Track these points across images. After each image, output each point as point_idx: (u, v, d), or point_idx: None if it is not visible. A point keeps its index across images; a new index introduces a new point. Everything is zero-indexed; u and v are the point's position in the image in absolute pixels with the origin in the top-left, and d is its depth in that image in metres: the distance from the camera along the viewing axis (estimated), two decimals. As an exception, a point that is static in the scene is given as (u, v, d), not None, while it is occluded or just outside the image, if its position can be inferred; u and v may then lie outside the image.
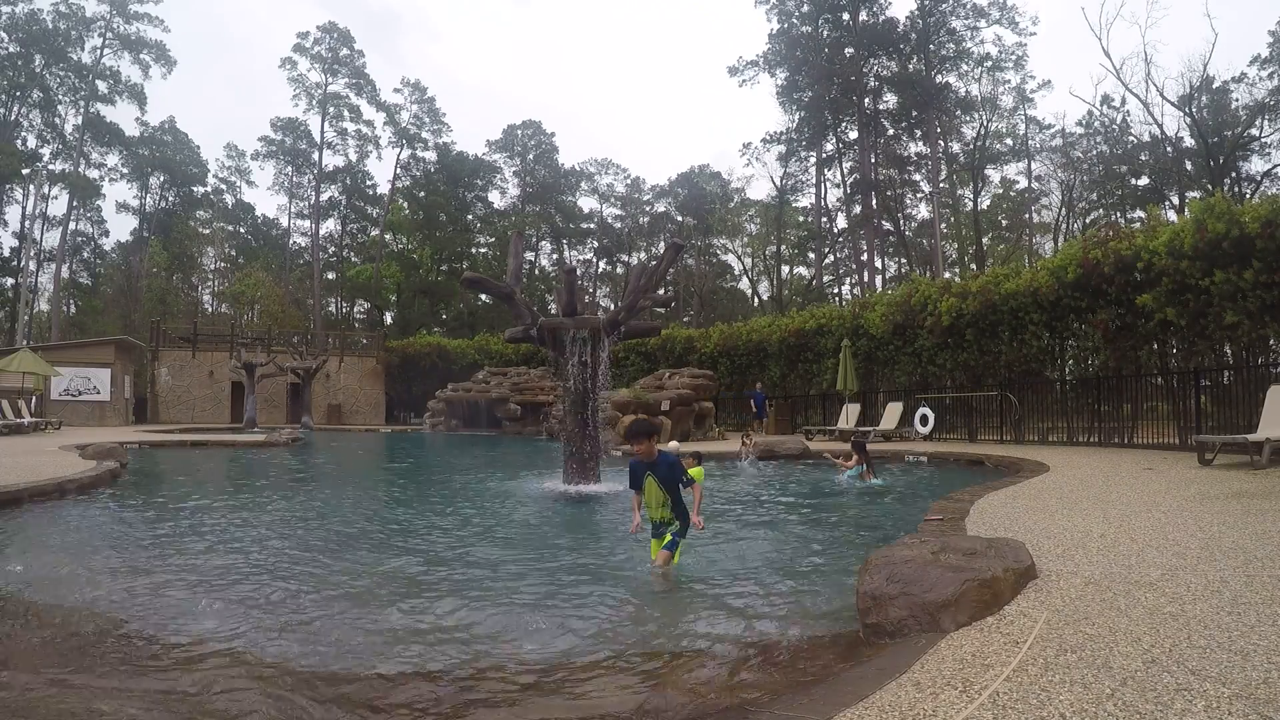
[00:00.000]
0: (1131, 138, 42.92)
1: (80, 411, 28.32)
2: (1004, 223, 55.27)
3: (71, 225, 52.12)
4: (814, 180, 52.18)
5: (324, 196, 55.60)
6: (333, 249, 58.07)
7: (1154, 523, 5.14)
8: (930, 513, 5.68)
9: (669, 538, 4.69)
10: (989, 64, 46.02)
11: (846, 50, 46.74)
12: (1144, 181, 42.82)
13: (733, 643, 3.30)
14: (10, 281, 49.32)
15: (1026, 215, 51.62)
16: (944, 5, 44.64)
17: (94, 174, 52.39)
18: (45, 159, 49.99)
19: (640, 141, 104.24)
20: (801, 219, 57.46)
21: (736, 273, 62.97)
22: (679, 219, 59.53)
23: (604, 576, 4.77)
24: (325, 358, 34.31)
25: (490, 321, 51.45)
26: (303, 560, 5.21)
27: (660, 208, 61.86)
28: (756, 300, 59.83)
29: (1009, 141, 50.48)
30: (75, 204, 51.03)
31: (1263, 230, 10.36)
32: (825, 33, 47.19)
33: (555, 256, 61.42)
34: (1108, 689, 2.24)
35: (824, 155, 50.37)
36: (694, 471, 9.70)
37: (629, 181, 63.03)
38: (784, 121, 52.40)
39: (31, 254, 48.77)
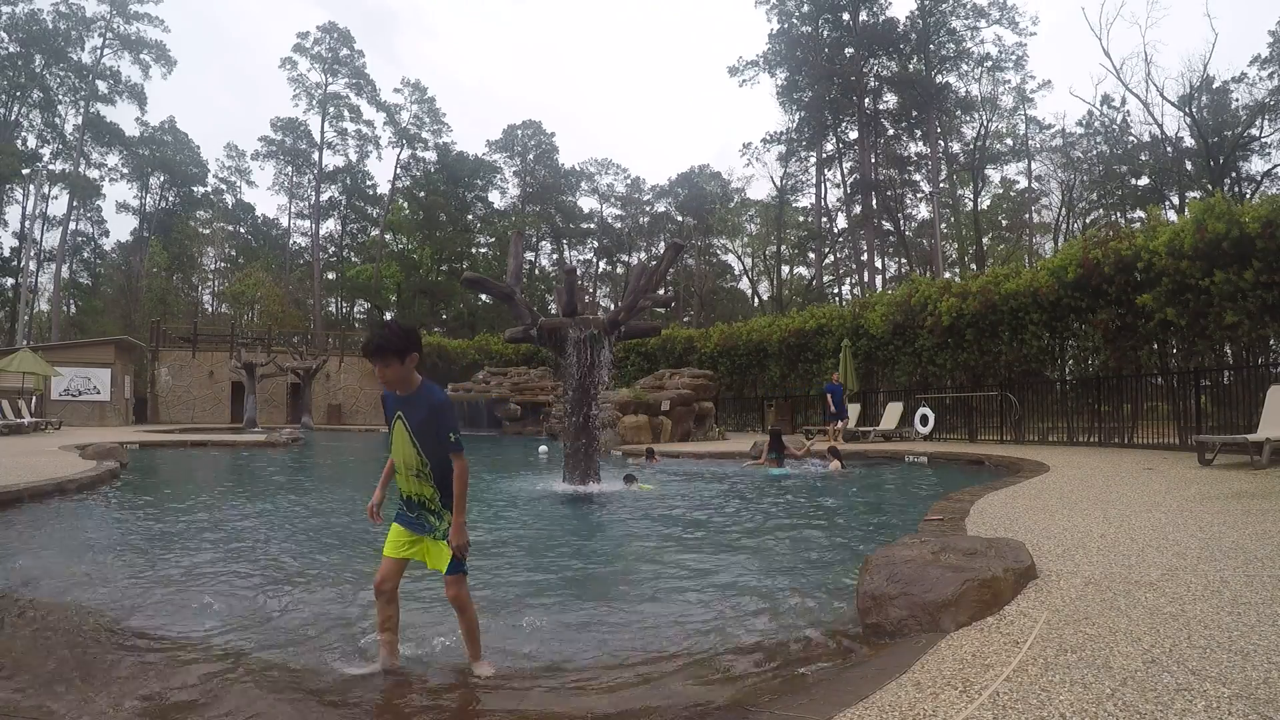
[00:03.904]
0: (1131, 138, 42.93)
1: (80, 411, 28.31)
2: (1004, 223, 55.26)
3: (71, 225, 52.20)
4: (814, 180, 52.23)
5: (324, 196, 55.62)
6: (333, 249, 58.08)
7: (1154, 523, 5.14)
8: (930, 513, 5.68)
9: (442, 546, 2.96)
10: (989, 64, 46.05)
11: (846, 50, 46.76)
12: (1144, 181, 42.81)
13: (731, 643, 3.29)
14: (10, 281, 49.32)
15: (1026, 215, 51.62)
16: (944, 5, 44.66)
17: (94, 174, 52.49)
18: (45, 159, 50.03)
19: (640, 141, 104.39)
20: (801, 219, 57.46)
21: (736, 273, 63.00)
22: (679, 219, 59.52)
23: (600, 577, 4.77)
24: (325, 358, 34.30)
25: (490, 321, 51.44)
26: (301, 560, 5.20)
27: (660, 208, 61.87)
28: (756, 300, 59.83)
29: (1009, 141, 50.49)
30: (75, 204, 51.04)
31: (1263, 230, 10.35)
32: (825, 33, 47.20)
33: (555, 256, 61.44)
34: (1108, 689, 2.24)
35: (824, 155, 50.39)
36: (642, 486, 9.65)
37: (629, 181, 63.07)
38: (784, 121, 52.49)
39: (31, 254, 48.76)
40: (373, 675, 2.90)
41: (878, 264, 49.67)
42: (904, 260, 52.59)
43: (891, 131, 48.35)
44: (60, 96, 50.28)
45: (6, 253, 49.92)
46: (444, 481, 2.95)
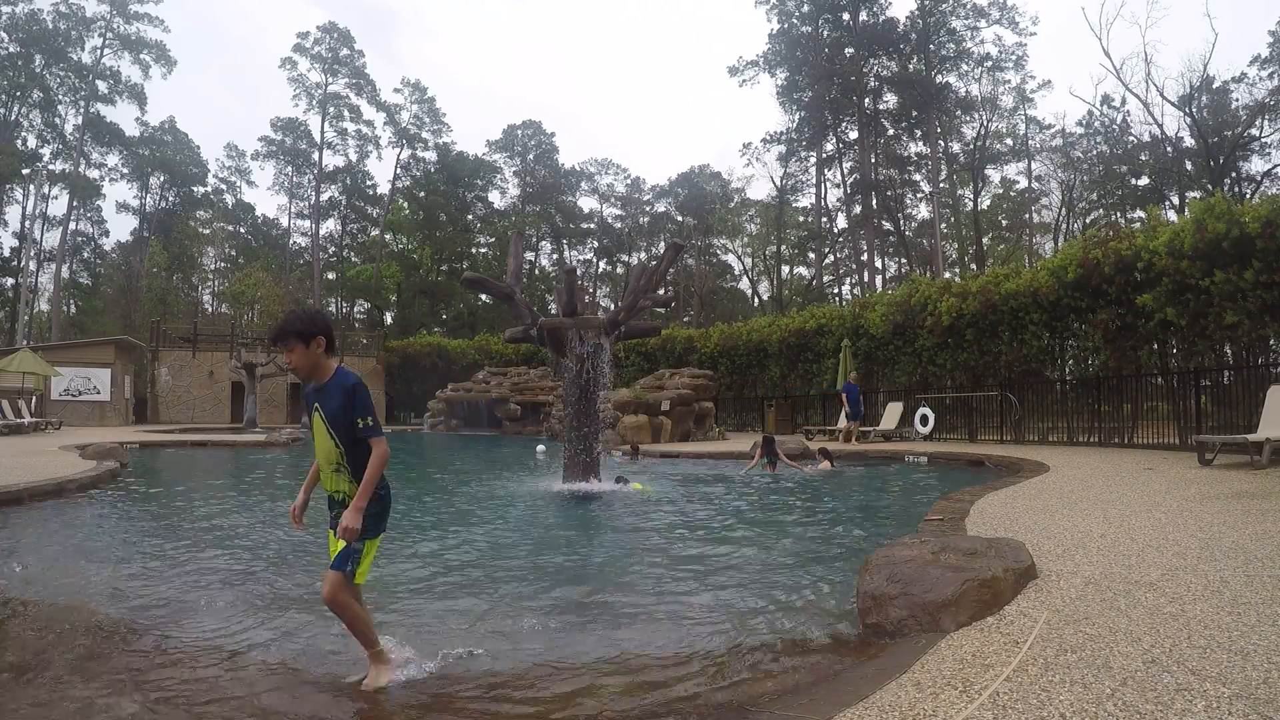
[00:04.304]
0: (1131, 138, 42.92)
1: (80, 411, 28.31)
2: (1004, 223, 55.26)
3: (71, 225, 52.17)
4: (814, 180, 52.21)
5: (324, 196, 55.60)
6: (333, 249, 58.05)
7: (1154, 523, 5.14)
8: (930, 513, 5.68)
9: (341, 544, 2.77)
10: (989, 64, 46.03)
11: (846, 50, 46.76)
12: (1144, 181, 42.81)
13: (731, 643, 3.29)
14: (10, 281, 49.31)
15: (1026, 215, 51.61)
16: (944, 5, 44.65)
17: (94, 174, 52.44)
18: (45, 159, 49.99)
19: (640, 141, 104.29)
20: (801, 219, 57.46)
21: (736, 273, 62.97)
22: (679, 219, 59.50)
23: (599, 577, 4.77)
24: (325, 358, 34.24)
25: (490, 321, 51.43)
26: (300, 560, 5.20)
27: (660, 208, 61.84)
28: (756, 300, 59.82)
29: (1009, 141, 50.47)
30: (75, 204, 51.03)
31: (1263, 230, 10.36)
32: (825, 33, 47.19)
33: (555, 256, 61.41)
34: (1108, 689, 2.24)
35: (824, 155, 50.38)
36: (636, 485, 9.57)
37: (629, 181, 63.04)
38: (784, 121, 52.49)
39: (31, 254, 48.75)
40: (362, 679, 2.88)
41: (878, 264, 49.67)
42: (904, 260, 52.59)
43: (891, 131, 48.33)
44: (60, 96, 50.28)
45: (6, 253, 49.96)
46: (361, 475, 2.78)
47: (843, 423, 17.94)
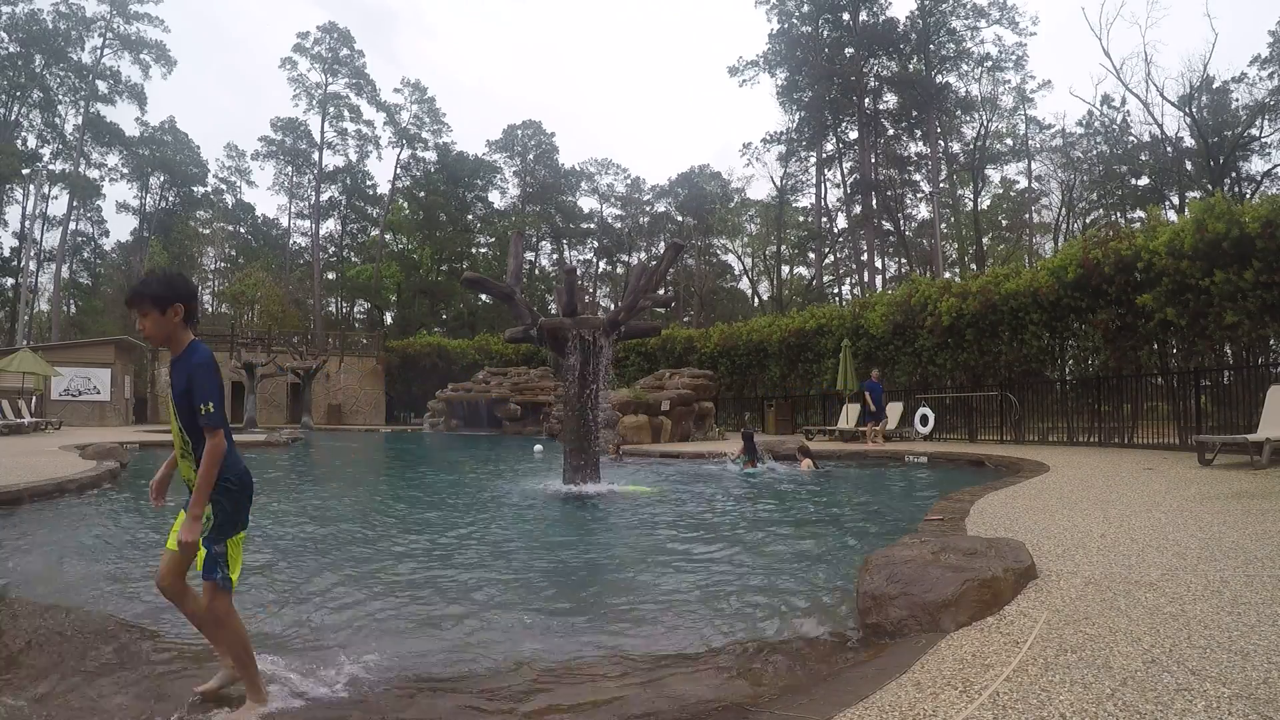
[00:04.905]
0: (1131, 138, 42.93)
1: (80, 411, 28.32)
2: (1004, 223, 55.26)
3: (71, 225, 52.20)
4: (814, 180, 52.22)
5: (324, 196, 55.60)
6: (333, 249, 58.06)
7: (1154, 523, 5.14)
8: (930, 513, 5.68)
9: (202, 551, 2.49)
10: (989, 64, 46.05)
11: (846, 50, 46.77)
12: (1144, 181, 42.82)
13: (731, 642, 3.29)
14: (10, 281, 49.31)
15: (1026, 215, 51.62)
16: (944, 5, 44.66)
17: (94, 174, 52.47)
18: (45, 159, 50.01)
19: (640, 141, 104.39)
20: (801, 219, 57.46)
21: (736, 273, 62.98)
22: (679, 219, 59.50)
23: (598, 577, 4.77)
24: (325, 358, 34.31)
25: (490, 321, 51.44)
26: (297, 559, 5.20)
27: (660, 208, 61.85)
28: (756, 300, 59.81)
29: (1009, 141, 50.48)
30: (75, 204, 51.03)
31: (1263, 230, 10.36)
32: (825, 33, 47.21)
33: (555, 256, 61.43)
34: (1108, 689, 2.24)
35: (824, 155, 50.39)
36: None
37: (629, 181, 63.05)
38: (784, 121, 52.54)
39: (31, 254, 48.75)
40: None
41: (878, 264, 49.67)
42: (904, 260, 52.58)
43: (891, 131, 48.34)
44: (60, 96, 50.28)
45: (6, 253, 49.97)
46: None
47: (843, 422, 17.94)
